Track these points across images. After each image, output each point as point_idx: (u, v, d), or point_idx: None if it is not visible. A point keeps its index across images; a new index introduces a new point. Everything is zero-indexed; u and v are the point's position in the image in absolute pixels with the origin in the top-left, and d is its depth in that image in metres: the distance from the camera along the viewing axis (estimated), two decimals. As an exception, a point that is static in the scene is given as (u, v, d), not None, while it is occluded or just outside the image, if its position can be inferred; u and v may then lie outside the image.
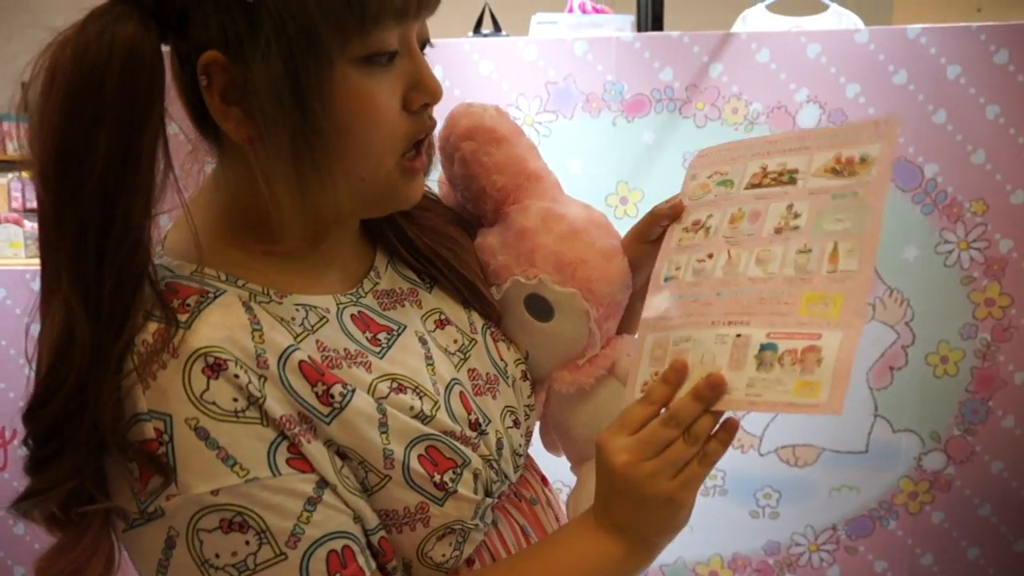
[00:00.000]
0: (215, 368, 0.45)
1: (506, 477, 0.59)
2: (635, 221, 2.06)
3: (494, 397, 0.61)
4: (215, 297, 0.49)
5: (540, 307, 0.62)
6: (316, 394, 0.49)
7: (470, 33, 2.25)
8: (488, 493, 0.56)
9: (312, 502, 0.47)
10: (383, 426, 0.51)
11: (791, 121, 1.85)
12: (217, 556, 0.44)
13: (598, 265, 0.62)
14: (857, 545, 1.95)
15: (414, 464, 0.51)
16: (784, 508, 1.94)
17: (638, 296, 0.66)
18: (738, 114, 1.86)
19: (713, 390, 0.50)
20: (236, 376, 0.46)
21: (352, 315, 0.56)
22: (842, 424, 1.91)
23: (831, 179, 0.55)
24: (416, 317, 0.60)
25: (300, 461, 0.47)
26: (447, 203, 0.70)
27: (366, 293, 0.58)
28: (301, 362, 0.49)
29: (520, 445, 0.63)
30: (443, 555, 0.52)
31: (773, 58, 1.82)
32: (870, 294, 0.54)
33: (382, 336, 0.56)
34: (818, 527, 1.95)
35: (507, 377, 0.63)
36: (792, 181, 0.56)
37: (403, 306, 0.60)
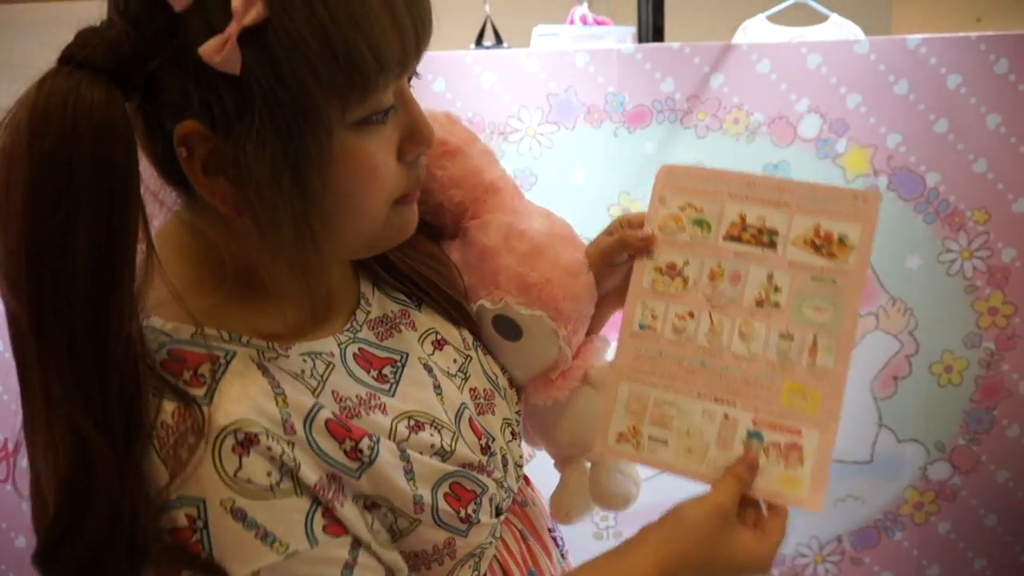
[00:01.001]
0: (246, 444, 0.43)
1: (511, 491, 0.60)
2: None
3: (493, 413, 0.60)
4: (227, 363, 0.45)
5: (508, 327, 0.61)
6: (345, 451, 0.48)
7: (472, 45, 2.26)
8: (500, 512, 0.57)
9: (348, 566, 0.46)
10: (409, 472, 0.50)
11: (792, 132, 1.86)
12: None
13: (563, 283, 0.61)
14: (862, 556, 1.94)
15: (442, 504, 0.51)
16: (789, 519, 1.93)
17: (607, 301, 0.67)
18: (739, 124, 1.86)
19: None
20: (269, 448, 0.43)
21: (354, 354, 0.54)
22: (846, 434, 1.90)
23: (811, 255, 0.56)
24: (414, 341, 0.59)
25: (335, 526, 0.46)
26: None
27: (361, 326, 0.57)
28: (328, 421, 0.48)
29: (520, 457, 0.63)
30: None
31: (774, 69, 1.82)
32: (844, 393, 0.56)
33: (387, 371, 0.55)
34: (823, 538, 1.94)
35: (500, 389, 0.62)
36: (772, 244, 0.57)
37: (399, 331, 0.59)
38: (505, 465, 0.59)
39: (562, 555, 0.69)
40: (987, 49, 1.78)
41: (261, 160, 0.41)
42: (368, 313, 0.58)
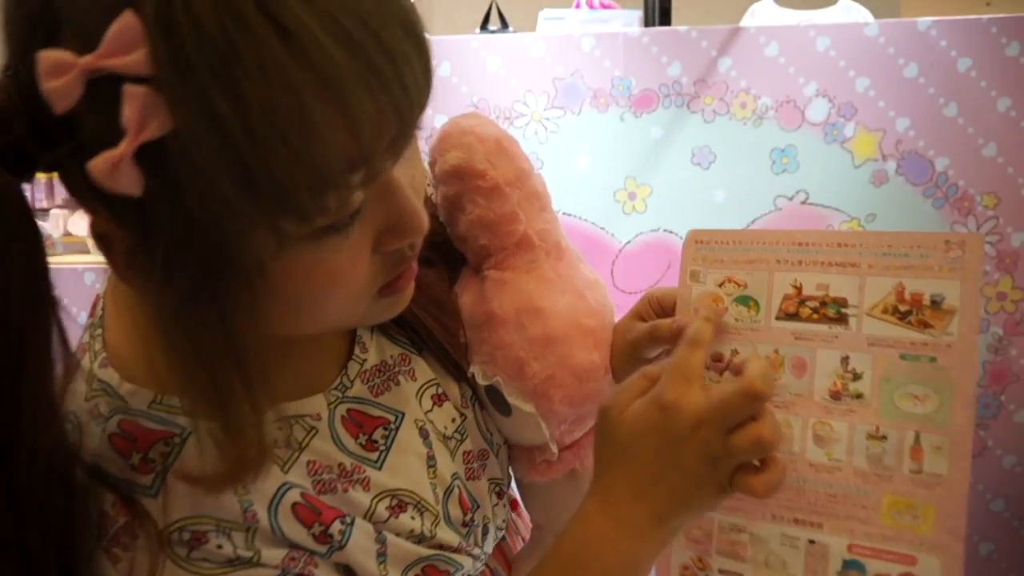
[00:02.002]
0: (193, 542, 0.40)
1: (487, 555, 0.55)
2: (644, 217, 2.04)
3: (483, 476, 0.55)
4: (182, 442, 0.40)
5: (498, 401, 0.54)
6: (313, 535, 0.44)
7: (477, 30, 2.24)
8: None
9: None
10: (382, 555, 0.46)
11: (800, 116, 1.84)
12: None
13: (566, 386, 0.51)
14: (868, 541, 1.94)
15: None
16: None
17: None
18: (747, 108, 1.85)
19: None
20: (220, 547, 0.40)
21: (343, 416, 0.48)
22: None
23: (896, 326, 0.43)
24: (412, 396, 0.53)
25: None
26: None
27: (353, 380, 0.50)
28: (295, 505, 0.43)
29: (503, 520, 0.57)
30: None
31: (782, 52, 1.81)
32: (966, 506, 0.43)
33: (378, 436, 0.49)
34: (829, 523, 1.94)
35: (494, 447, 0.57)
36: (841, 318, 0.45)
37: (397, 384, 0.52)
38: (485, 534, 0.54)
39: None
40: (998, 32, 1.76)
41: (171, 293, 0.34)
42: (363, 363, 0.51)
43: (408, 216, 0.39)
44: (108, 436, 0.40)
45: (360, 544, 0.45)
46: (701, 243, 0.51)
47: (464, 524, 0.51)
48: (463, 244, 0.55)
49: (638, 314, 0.56)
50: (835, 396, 0.46)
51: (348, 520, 0.45)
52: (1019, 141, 1.84)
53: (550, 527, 0.59)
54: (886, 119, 1.84)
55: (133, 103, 0.30)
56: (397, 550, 0.47)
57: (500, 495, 0.56)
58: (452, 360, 0.55)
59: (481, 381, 0.53)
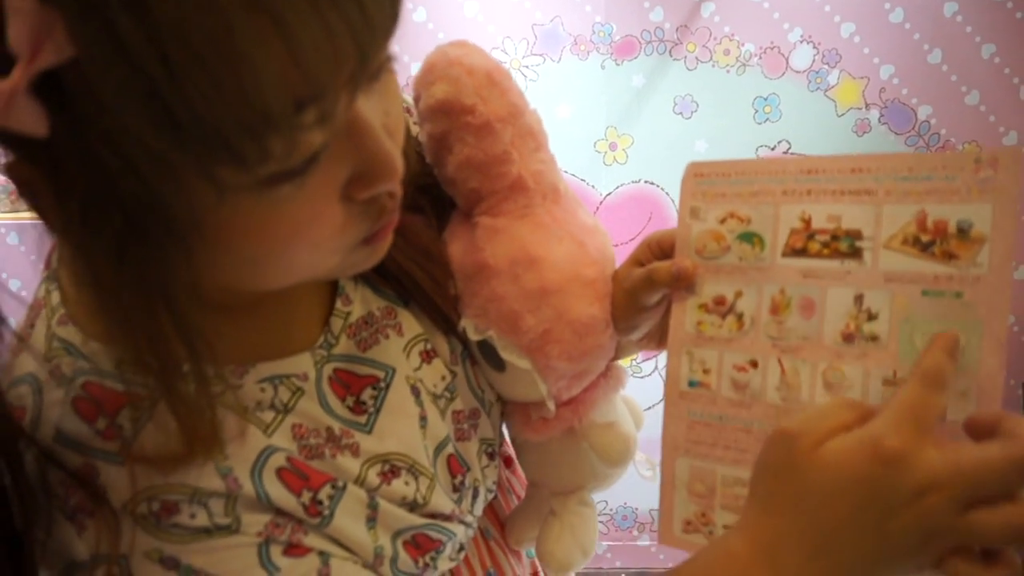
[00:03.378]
0: (163, 513, 0.37)
1: (477, 519, 0.52)
2: (625, 168, 2.01)
3: (473, 437, 0.52)
4: (152, 405, 0.37)
5: (491, 356, 0.50)
6: (303, 504, 0.40)
7: (453, -28, 2.17)
8: (462, 548, 0.51)
9: (321, 574, 0.41)
10: (372, 520, 0.43)
11: (784, 63, 1.81)
12: None
13: (564, 340, 0.48)
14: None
15: (401, 554, 0.45)
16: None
17: (644, 345, 0.53)
18: (730, 55, 1.81)
19: None
20: (193, 515, 0.37)
21: (329, 377, 0.45)
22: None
23: (917, 257, 0.38)
24: (400, 352, 0.49)
25: (298, 548, 0.40)
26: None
27: (338, 336, 0.46)
28: (280, 470, 0.40)
29: (494, 482, 0.54)
30: None
31: (766, -4, 1.77)
32: None
33: (367, 397, 0.46)
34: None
35: (485, 405, 0.54)
36: (855, 252, 0.40)
37: (385, 337, 0.48)
38: (475, 497, 0.51)
39: None
40: (986, -25, 1.73)
41: (94, 249, 0.30)
42: (347, 317, 0.47)
43: (379, 160, 0.33)
44: (71, 400, 0.37)
45: (351, 510, 0.42)
46: (701, 176, 0.46)
47: (455, 489, 0.49)
48: (452, 187, 0.50)
49: (636, 260, 0.50)
50: (848, 339, 0.41)
51: (340, 484, 0.42)
52: (1002, 89, 1.82)
53: (546, 485, 0.57)
54: (870, 66, 1.81)
55: (21, 21, 0.24)
56: (388, 516, 0.44)
57: (491, 456, 0.53)
58: (441, 313, 0.50)
59: (473, 336, 0.49)
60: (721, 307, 0.45)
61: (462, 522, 0.49)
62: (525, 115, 0.49)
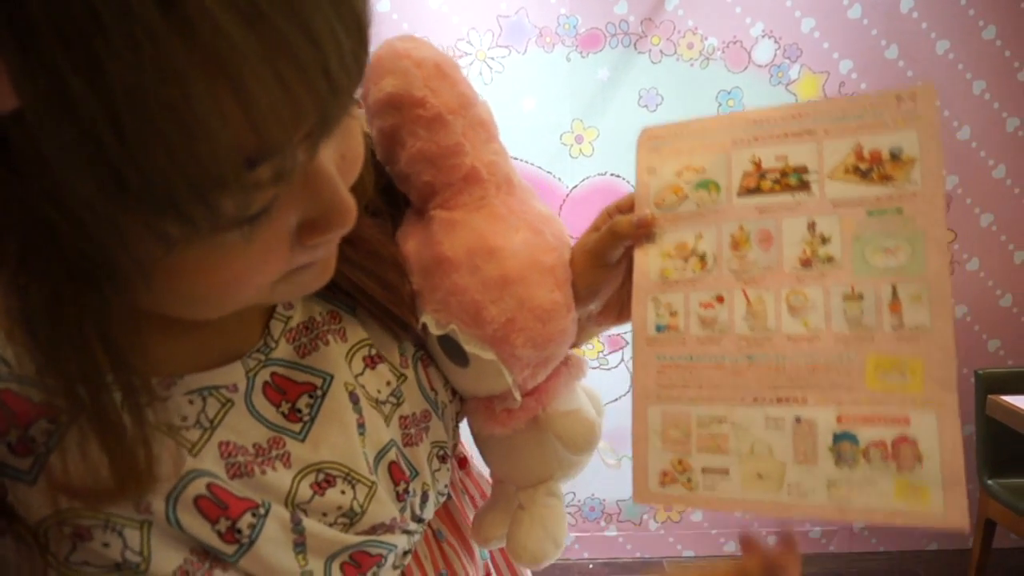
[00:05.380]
0: (75, 538, 0.35)
1: (425, 523, 0.51)
2: (591, 161, 2.01)
3: (422, 442, 0.51)
4: (71, 421, 0.35)
5: (454, 351, 0.50)
6: (219, 532, 0.39)
7: (417, -37, 2.15)
8: (407, 553, 0.49)
9: None
10: (299, 546, 0.42)
11: (747, 57, 1.83)
12: None
13: (528, 328, 0.48)
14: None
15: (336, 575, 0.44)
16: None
17: (604, 317, 0.53)
18: (693, 49, 1.83)
19: None
20: (106, 545, 0.36)
21: (265, 382, 0.44)
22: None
23: (859, 184, 0.42)
24: (342, 359, 0.48)
25: None
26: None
27: (277, 341, 0.45)
28: (198, 498, 0.38)
29: (445, 485, 0.53)
30: None
31: (729, -9, 1.79)
32: (955, 354, 0.39)
33: (302, 404, 0.44)
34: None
35: (437, 407, 0.52)
36: (803, 185, 0.43)
37: (325, 344, 0.47)
38: (424, 502, 0.50)
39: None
40: (940, -28, 1.77)
41: (29, 296, 0.30)
42: (287, 321, 0.46)
43: (334, 210, 0.33)
44: None
45: (273, 537, 0.41)
46: (656, 138, 0.49)
47: (398, 497, 0.47)
48: (405, 183, 0.50)
49: (596, 227, 0.51)
50: (806, 264, 0.44)
51: (261, 512, 0.40)
52: (956, 84, 1.87)
53: (512, 479, 0.56)
54: (830, 61, 1.85)
55: None
56: (318, 540, 0.43)
57: (443, 459, 0.52)
58: (392, 316, 0.49)
59: (435, 331, 0.48)
60: (683, 251, 0.47)
61: (405, 531, 0.48)
62: (476, 106, 0.49)
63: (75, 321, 0.30)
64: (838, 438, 0.41)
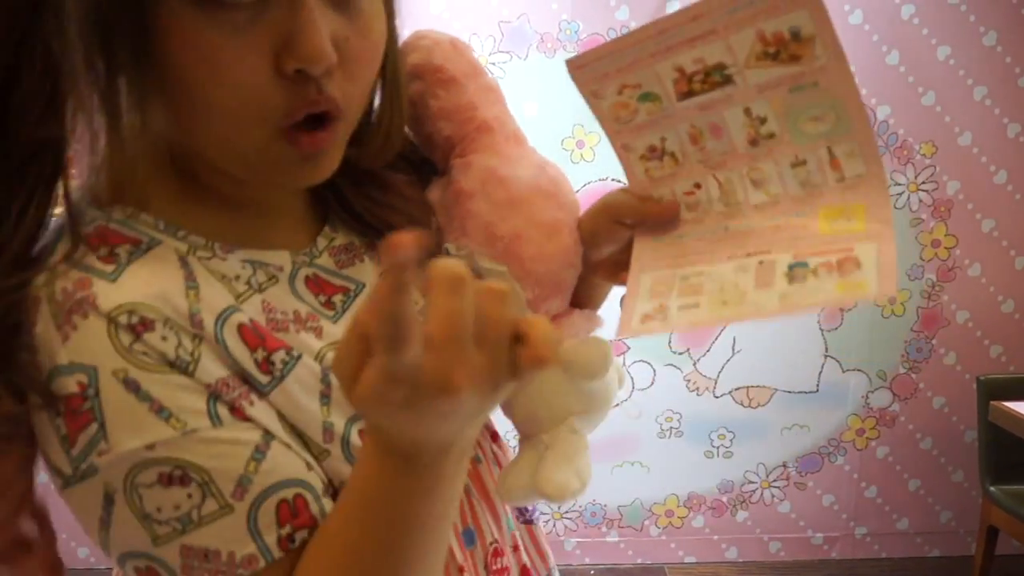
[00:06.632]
0: (139, 328, 0.41)
1: None
2: (592, 166, 2.00)
3: None
4: (148, 249, 0.44)
5: (473, 274, 0.57)
6: (256, 361, 0.44)
7: (419, -31, 2.15)
8: None
9: (260, 450, 0.43)
10: (325, 397, 0.46)
11: (747, 62, 1.83)
12: (159, 510, 0.41)
13: (535, 241, 0.55)
14: (806, 481, 2.02)
15: (354, 439, 0.47)
16: (737, 447, 1.99)
17: (600, 269, 0.59)
18: (694, 55, 1.83)
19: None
20: (164, 338, 0.42)
21: (307, 277, 0.50)
22: (793, 365, 1.95)
23: (773, 67, 0.47)
24: (374, 274, 0.54)
25: (244, 413, 0.44)
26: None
27: (321, 252, 0.53)
28: (241, 325, 0.44)
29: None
30: None
31: (730, -3, 1.79)
32: (889, 194, 0.49)
33: (337, 299, 0.51)
34: (770, 465, 2.01)
35: None
36: (728, 80, 0.49)
37: (361, 261, 0.54)
38: None
39: (529, 520, 0.63)
40: (941, -21, 1.77)
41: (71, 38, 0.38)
42: (332, 240, 0.54)
43: (303, 32, 0.38)
44: (84, 236, 0.43)
45: (303, 380, 0.45)
46: (582, 67, 0.54)
47: None
48: (429, 144, 0.59)
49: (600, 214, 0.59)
50: (753, 143, 0.50)
51: (294, 355, 0.45)
52: (957, 89, 1.87)
53: (535, 420, 0.59)
54: (831, 67, 1.85)
55: None
56: (342, 396, 0.46)
57: None
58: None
59: (454, 252, 0.56)
60: (655, 153, 0.54)
61: None
62: (484, 75, 0.60)
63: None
64: (792, 267, 0.48)
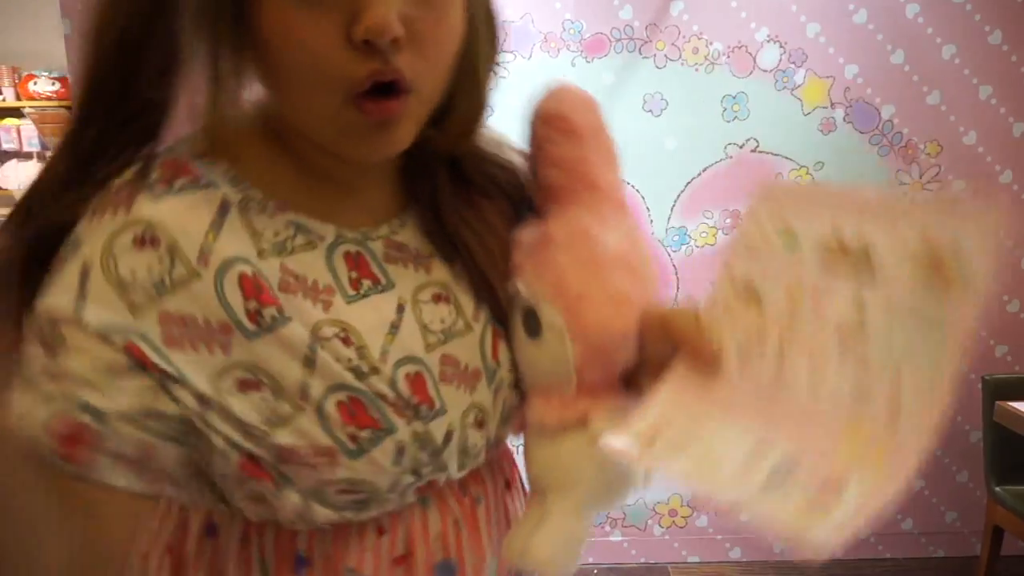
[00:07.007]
0: (146, 242, 0.45)
1: (444, 468, 0.53)
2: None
3: (465, 391, 0.55)
4: (203, 188, 0.47)
5: (532, 324, 0.56)
6: (247, 310, 0.46)
7: (423, -31, 2.16)
8: (415, 473, 0.51)
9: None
10: (309, 362, 0.47)
11: (751, 62, 1.83)
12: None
13: (599, 307, 0.54)
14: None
15: (329, 408, 0.47)
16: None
17: (648, 367, 0.57)
18: (698, 54, 1.83)
19: None
20: (160, 260, 0.45)
21: (347, 252, 0.51)
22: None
23: (916, 285, 0.45)
24: (411, 283, 0.54)
25: (150, 361, 0.45)
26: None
27: (377, 238, 0.53)
28: (243, 275, 0.46)
29: (476, 446, 0.56)
30: (339, 503, 0.49)
31: (734, -4, 1.79)
32: (922, 450, 0.42)
33: (366, 283, 0.51)
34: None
35: (493, 378, 0.56)
36: (867, 265, 0.47)
37: (406, 267, 0.54)
38: (447, 441, 0.52)
39: None
40: (946, -23, 1.77)
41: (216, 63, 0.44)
42: (393, 234, 0.55)
43: (371, 6, 0.42)
44: (163, 159, 0.47)
45: (289, 340, 0.47)
46: (770, 199, 0.53)
47: (411, 406, 0.50)
48: (537, 187, 0.60)
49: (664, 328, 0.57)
50: (839, 327, 0.47)
51: (285, 316, 0.47)
52: (962, 89, 1.86)
53: (547, 478, 0.57)
54: (836, 66, 1.84)
55: None
56: (328, 367, 0.47)
57: (480, 425, 0.56)
58: (483, 278, 0.57)
59: (522, 291, 0.56)
60: (748, 293, 0.53)
61: (410, 427, 0.50)
62: (608, 138, 0.60)
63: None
64: (779, 466, 0.44)
